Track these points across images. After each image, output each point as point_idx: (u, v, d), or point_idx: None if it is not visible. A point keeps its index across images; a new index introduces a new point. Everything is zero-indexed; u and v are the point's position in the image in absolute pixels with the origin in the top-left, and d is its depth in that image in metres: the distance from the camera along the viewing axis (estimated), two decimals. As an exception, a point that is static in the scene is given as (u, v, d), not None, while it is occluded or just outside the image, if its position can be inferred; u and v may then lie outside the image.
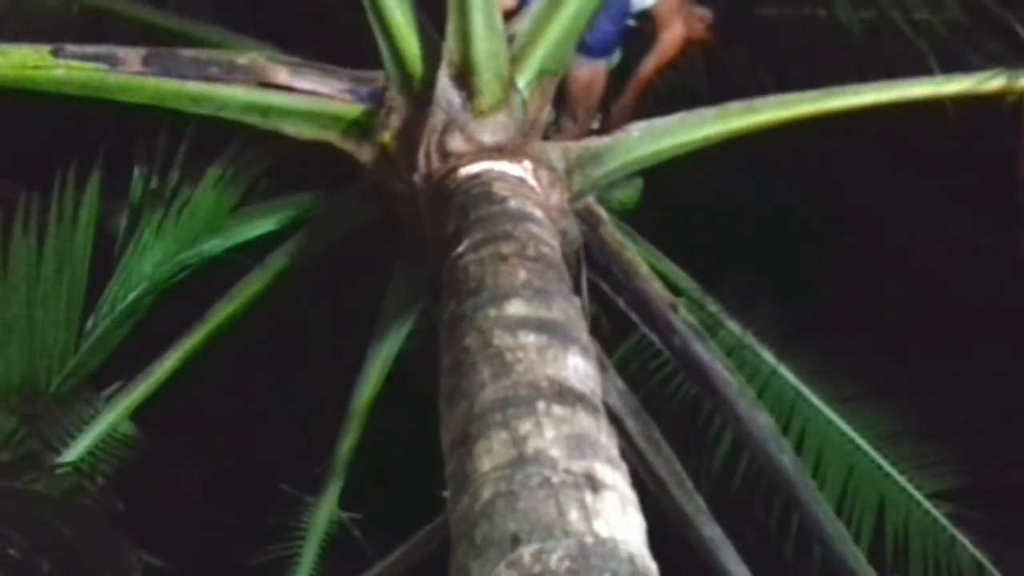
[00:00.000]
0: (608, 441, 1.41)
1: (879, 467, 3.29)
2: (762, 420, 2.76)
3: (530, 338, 1.56)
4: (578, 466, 1.31)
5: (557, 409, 1.42)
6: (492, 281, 1.73)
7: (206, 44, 2.94)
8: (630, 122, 2.87)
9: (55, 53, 2.19)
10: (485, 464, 1.34)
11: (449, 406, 1.55)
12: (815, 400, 3.33)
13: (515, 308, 1.64)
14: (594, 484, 1.29)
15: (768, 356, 3.33)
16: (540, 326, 1.60)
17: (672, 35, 2.90)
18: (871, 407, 3.33)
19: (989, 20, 3.09)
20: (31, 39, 2.88)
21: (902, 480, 3.27)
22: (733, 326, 3.30)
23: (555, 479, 1.28)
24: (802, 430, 3.25)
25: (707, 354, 2.68)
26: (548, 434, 1.36)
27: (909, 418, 3.31)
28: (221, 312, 2.81)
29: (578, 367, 1.54)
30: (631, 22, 2.92)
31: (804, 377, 3.34)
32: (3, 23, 3.07)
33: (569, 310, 1.70)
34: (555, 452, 1.34)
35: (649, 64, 2.93)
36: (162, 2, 3.32)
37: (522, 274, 1.75)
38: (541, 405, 1.42)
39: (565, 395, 1.45)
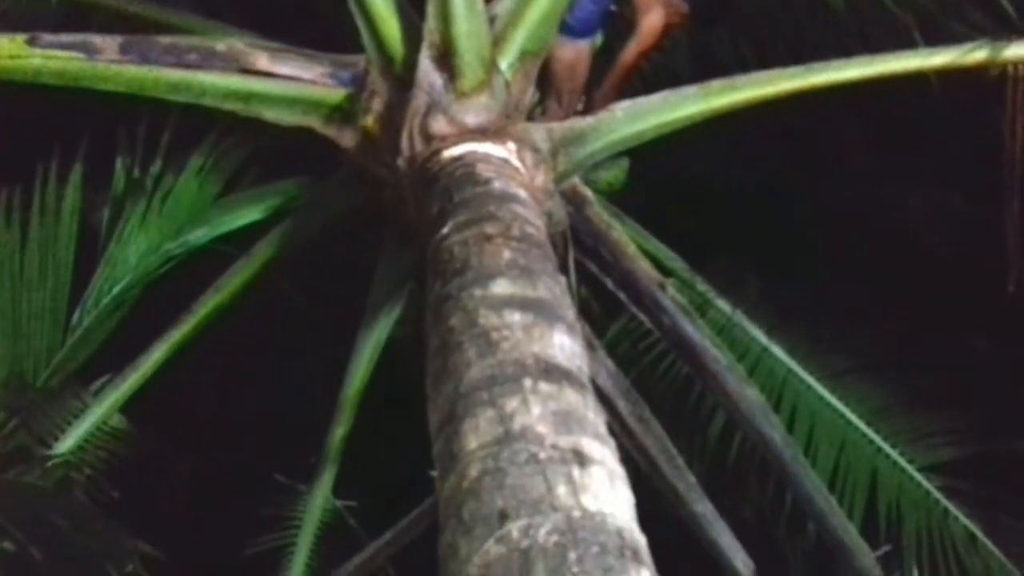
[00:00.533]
0: (595, 417, 1.41)
1: (871, 441, 3.30)
2: (752, 395, 2.77)
3: (515, 317, 1.56)
4: (565, 441, 1.31)
5: (543, 386, 1.41)
6: (477, 261, 1.73)
7: (186, 32, 2.91)
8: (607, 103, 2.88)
9: (31, 42, 2.17)
10: (472, 442, 1.34)
11: (436, 386, 1.55)
12: (806, 376, 3.33)
13: (500, 288, 1.63)
14: (581, 459, 1.29)
15: (758, 334, 3.34)
16: (525, 305, 1.60)
17: (652, 21, 2.88)
18: (861, 381, 3.34)
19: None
20: (8, 29, 2.87)
21: (894, 454, 3.28)
22: (723, 305, 3.30)
23: (542, 455, 1.28)
24: (793, 406, 3.25)
25: (696, 332, 2.68)
26: (535, 411, 1.36)
27: (899, 391, 3.31)
28: (208, 303, 2.79)
29: (564, 345, 1.53)
30: (612, 6, 2.91)
31: (794, 354, 3.35)
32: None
33: (555, 289, 1.70)
34: (542, 428, 1.33)
35: (630, 50, 2.92)
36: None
37: (507, 254, 1.74)
38: (527, 382, 1.41)
39: (551, 372, 1.45)
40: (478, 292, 1.63)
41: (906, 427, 3.29)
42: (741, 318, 3.29)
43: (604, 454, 1.32)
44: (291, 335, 3.33)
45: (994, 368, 3.23)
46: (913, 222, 3.52)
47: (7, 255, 2.73)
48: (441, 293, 1.70)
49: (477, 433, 1.35)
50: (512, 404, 1.37)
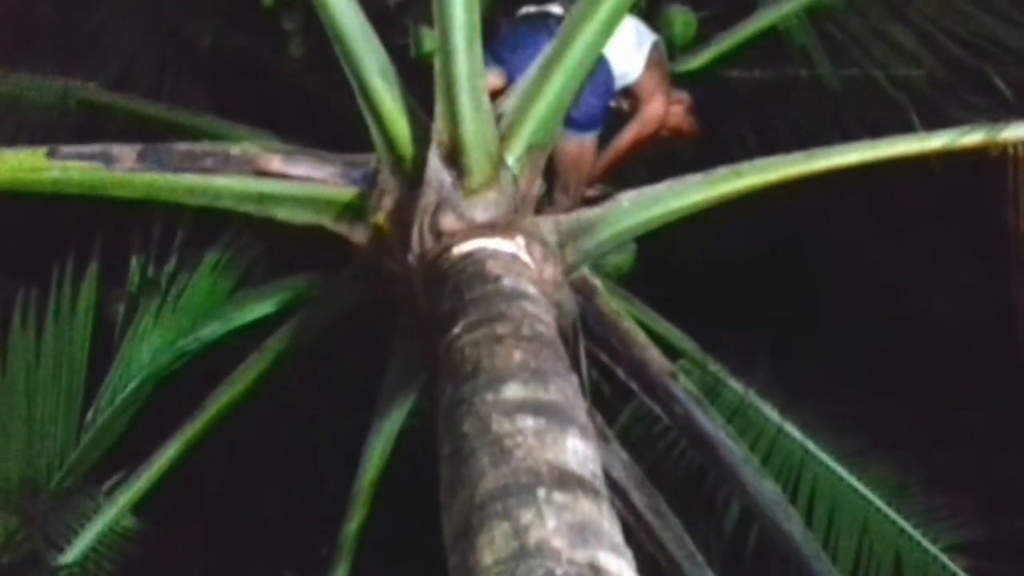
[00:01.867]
0: (611, 527, 1.40)
1: (893, 522, 3.25)
2: (768, 489, 2.74)
3: (528, 422, 1.56)
4: (581, 555, 1.30)
5: (558, 496, 1.40)
6: (488, 364, 1.73)
7: (201, 133, 2.99)
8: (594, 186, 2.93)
9: (50, 154, 2.23)
10: (487, 558, 1.33)
11: (450, 495, 1.54)
12: (824, 456, 3.30)
13: (512, 391, 1.64)
14: (598, 574, 1.27)
15: (772, 414, 3.32)
16: (538, 409, 1.60)
17: (653, 109, 2.96)
18: (879, 461, 3.30)
19: (967, 73, 3.16)
20: (28, 137, 2.96)
21: (917, 534, 3.22)
22: (735, 385, 3.30)
23: (559, 571, 1.27)
24: (812, 488, 3.21)
25: (709, 423, 2.67)
26: (550, 523, 1.35)
27: (918, 470, 3.27)
28: (221, 398, 2.81)
29: (577, 450, 1.53)
30: (614, 101, 2.98)
31: (810, 433, 3.32)
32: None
33: (566, 389, 1.70)
34: (557, 542, 1.32)
35: (627, 134, 2.98)
36: (157, 93, 3.39)
37: (518, 355, 1.75)
38: (541, 492, 1.41)
39: (566, 480, 1.44)
40: (490, 397, 1.63)
41: (927, 506, 3.23)
42: (754, 398, 3.28)
43: (621, 567, 1.31)
44: (303, 429, 3.32)
45: (1013, 443, 3.18)
46: (924, 297, 3.52)
47: (22, 357, 2.75)
48: (454, 397, 1.71)
49: (492, 548, 1.34)
50: (527, 516, 1.36)
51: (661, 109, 2.96)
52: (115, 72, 3.44)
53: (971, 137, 2.66)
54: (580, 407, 1.70)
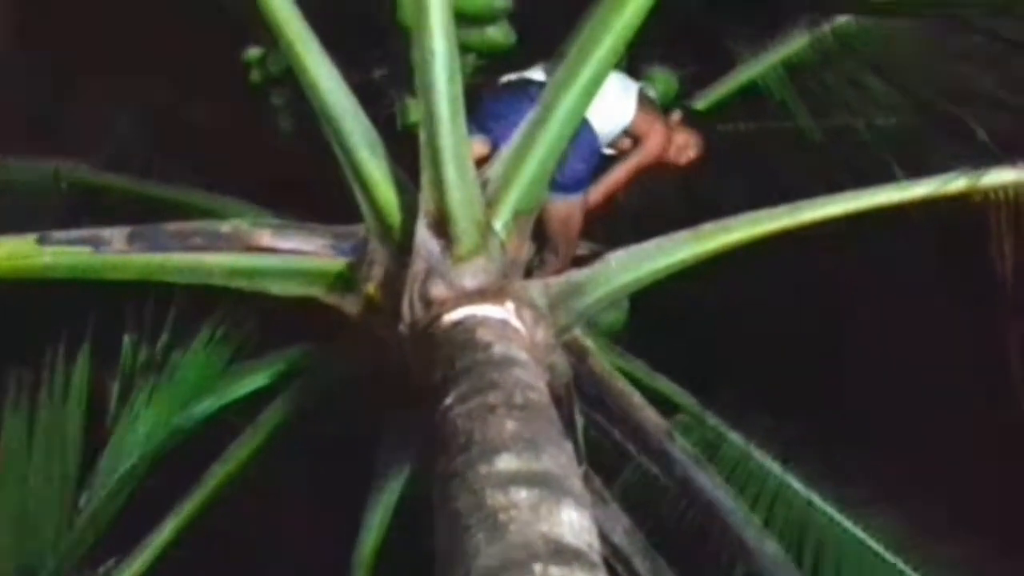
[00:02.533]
0: (609, 601, 1.38)
1: (901, 572, 3.21)
2: (771, 549, 2.71)
3: (522, 494, 1.55)
4: (580, 632, 1.28)
5: (554, 570, 1.39)
6: (480, 435, 1.73)
7: (193, 209, 3.02)
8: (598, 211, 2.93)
9: (41, 241, 2.25)
10: (485, 638, 1.31)
11: (446, 571, 1.52)
12: (828, 508, 3.28)
13: (505, 463, 1.63)
14: (598, 651, 1.25)
15: (774, 467, 3.30)
16: (531, 480, 1.59)
17: (653, 139, 2.97)
18: (884, 511, 3.28)
19: (945, 121, 3.21)
20: (20, 221, 2.97)
21: (927, 585, 3.18)
22: (736, 439, 3.28)
23: (557, 650, 1.25)
24: (818, 540, 3.18)
25: (708, 482, 2.65)
26: (546, 600, 1.34)
27: (923, 519, 3.24)
28: (217, 474, 2.78)
29: (573, 521, 1.51)
30: (609, 151, 3.01)
31: (813, 485, 3.30)
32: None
33: (560, 458, 1.70)
34: (555, 619, 1.30)
35: (629, 163, 2.98)
36: (149, 172, 3.42)
37: (510, 425, 1.74)
38: (538, 568, 1.39)
39: (562, 554, 1.43)
40: (483, 470, 1.62)
41: (934, 556, 3.20)
42: (755, 452, 3.26)
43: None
44: (301, 502, 3.29)
45: (1018, 489, 3.16)
46: (917, 345, 3.52)
47: (16, 440, 2.73)
48: (448, 470, 1.70)
49: (489, 627, 1.32)
50: (523, 594, 1.35)
51: (661, 138, 2.98)
52: (107, 153, 3.48)
53: (953, 185, 2.70)
54: (575, 475, 1.69)
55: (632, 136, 2.97)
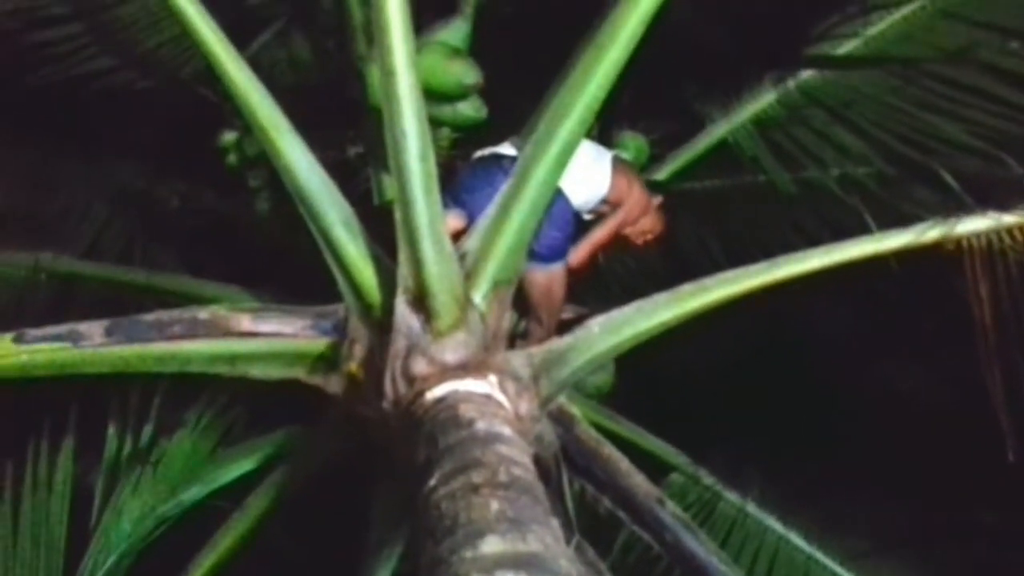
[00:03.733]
0: None
1: (907, 625, 3.17)
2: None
3: (508, 579, 1.53)
4: None
5: (542, 660, 1.36)
6: (465, 517, 1.71)
7: (174, 294, 3.02)
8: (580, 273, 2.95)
9: (17, 339, 2.24)
10: None
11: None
12: (830, 562, 3.25)
13: (490, 546, 1.61)
14: None
15: (772, 522, 3.28)
16: (518, 563, 1.57)
17: (632, 203, 3.00)
18: (886, 561, 3.24)
19: (915, 169, 3.25)
20: (2, 316, 2.97)
21: (935, 637, 3.14)
22: (731, 497, 3.26)
23: None
24: (821, 595, 3.15)
25: (700, 548, 2.62)
26: None
27: (927, 567, 3.21)
28: (204, 563, 2.74)
29: (561, 604, 1.49)
30: (589, 216, 3.04)
31: (813, 539, 3.27)
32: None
33: (546, 537, 1.67)
34: None
35: (610, 223, 3.00)
36: (128, 259, 3.43)
37: (495, 505, 1.73)
38: (525, 658, 1.36)
39: (550, 640, 1.40)
40: (468, 554, 1.60)
41: (939, 604, 3.16)
42: (752, 508, 3.24)
43: None
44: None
45: (1012, 539, 3.13)
46: (908, 392, 3.52)
47: (1, 536, 2.69)
48: (433, 556, 1.68)
49: None
50: None
51: (641, 199, 3.01)
52: (86, 242, 3.50)
53: (927, 235, 2.72)
54: (562, 554, 1.67)
55: (611, 203, 3.00)
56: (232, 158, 3.45)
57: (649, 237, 3.15)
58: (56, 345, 2.28)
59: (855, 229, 2.90)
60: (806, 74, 3.52)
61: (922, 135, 3.29)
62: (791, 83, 3.50)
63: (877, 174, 3.36)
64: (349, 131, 3.32)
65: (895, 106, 3.40)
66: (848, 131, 3.42)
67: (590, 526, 2.82)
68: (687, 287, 2.71)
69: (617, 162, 3.02)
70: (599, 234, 3.01)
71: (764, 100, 3.55)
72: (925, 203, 2.97)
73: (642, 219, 3.10)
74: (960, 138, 3.18)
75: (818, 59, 3.51)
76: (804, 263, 2.72)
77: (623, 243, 3.16)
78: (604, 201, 2.99)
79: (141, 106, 3.70)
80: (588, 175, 2.89)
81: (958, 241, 2.76)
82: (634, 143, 3.40)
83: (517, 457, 1.96)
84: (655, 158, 3.52)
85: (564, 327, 2.79)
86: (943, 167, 3.01)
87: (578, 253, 2.96)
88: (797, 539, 3.28)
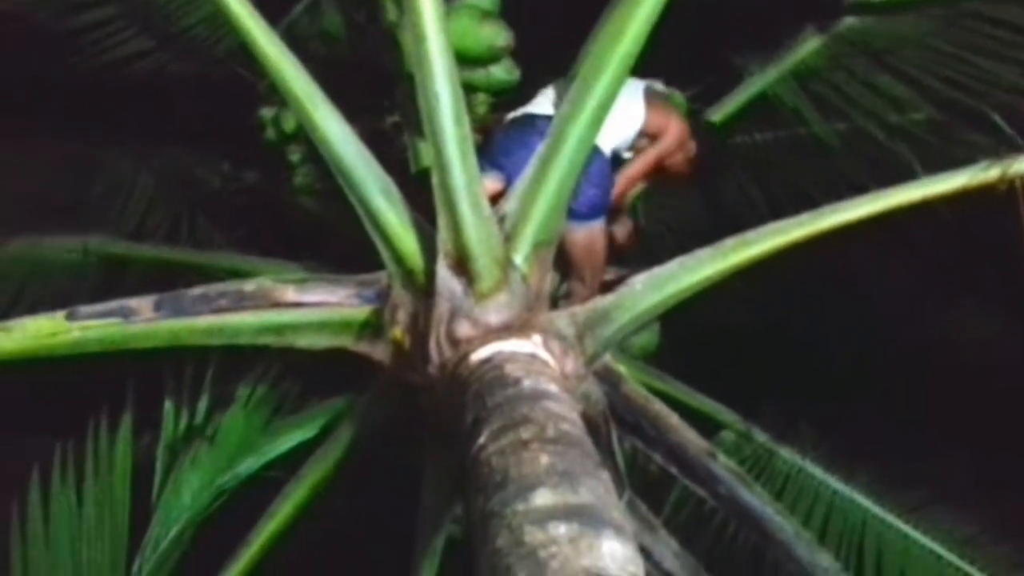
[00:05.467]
0: (657, 631, 1.35)
1: (967, 574, 3.12)
2: (825, 562, 2.64)
3: (561, 529, 1.53)
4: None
5: (598, 605, 1.37)
6: (516, 472, 1.71)
7: (220, 271, 3.06)
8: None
9: (70, 316, 2.29)
10: None
11: (490, 613, 1.51)
12: (886, 515, 3.20)
13: (542, 498, 1.61)
14: None
15: (826, 477, 3.24)
16: (569, 514, 1.57)
17: (671, 135, 2.97)
18: (945, 512, 3.19)
19: (964, 113, 3.16)
20: (52, 299, 3.04)
21: (994, 584, 3.09)
22: (784, 453, 3.23)
23: None
24: (878, 548, 3.11)
25: (755, 500, 2.60)
26: (592, 636, 1.31)
27: (985, 518, 3.15)
28: (263, 532, 2.78)
29: (615, 553, 1.49)
30: (628, 155, 3.01)
31: (869, 492, 3.23)
32: (25, 288, 3.22)
33: (598, 489, 1.67)
34: (602, 655, 1.28)
35: (649, 155, 2.98)
36: (175, 239, 3.49)
37: (544, 459, 1.73)
38: (581, 603, 1.37)
39: (605, 587, 1.40)
40: (520, 507, 1.61)
41: (999, 555, 3.11)
42: (806, 464, 3.21)
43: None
44: (348, 552, 3.28)
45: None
46: (963, 341, 3.45)
47: (65, 513, 2.76)
48: (485, 510, 1.68)
49: (535, 668, 1.30)
50: (568, 631, 1.32)
51: (678, 129, 2.99)
52: (132, 224, 3.56)
53: (977, 177, 2.64)
54: (614, 506, 1.67)
55: (649, 135, 2.96)
56: (270, 133, 3.48)
57: (687, 167, 3.09)
58: (107, 321, 2.33)
59: (899, 178, 2.83)
60: (848, 21, 3.43)
61: (969, 78, 3.20)
62: (833, 31, 3.41)
63: (926, 120, 3.28)
64: (383, 101, 3.32)
65: (940, 50, 3.30)
66: (893, 78, 3.33)
67: (640, 485, 2.82)
68: (729, 241, 2.67)
69: (651, 93, 2.98)
70: (638, 166, 2.98)
71: (804, 50, 3.46)
72: (976, 146, 2.89)
73: (681, 149, 3.07)
74: (1009, 78, 3.09)
75: (860, 5, 3.42)
76: (852, 211, 2.66)
77: (665, 175, 3.12)
78: (642, 135, 2.95)
79: (180, 88, 3.75)
80: (623, 114, 2.84)
81: (1011, 182, 2.68)
82: (673, 99, 3.35)
83: (565, 413, 1.96)
84: (693, 113, 3.47)
85: (607, 288, 2.78)
86: (992, 109, 2.92)
87: (618, 186, 2.93)
88: (853, 493, 3.23)
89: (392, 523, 3.01)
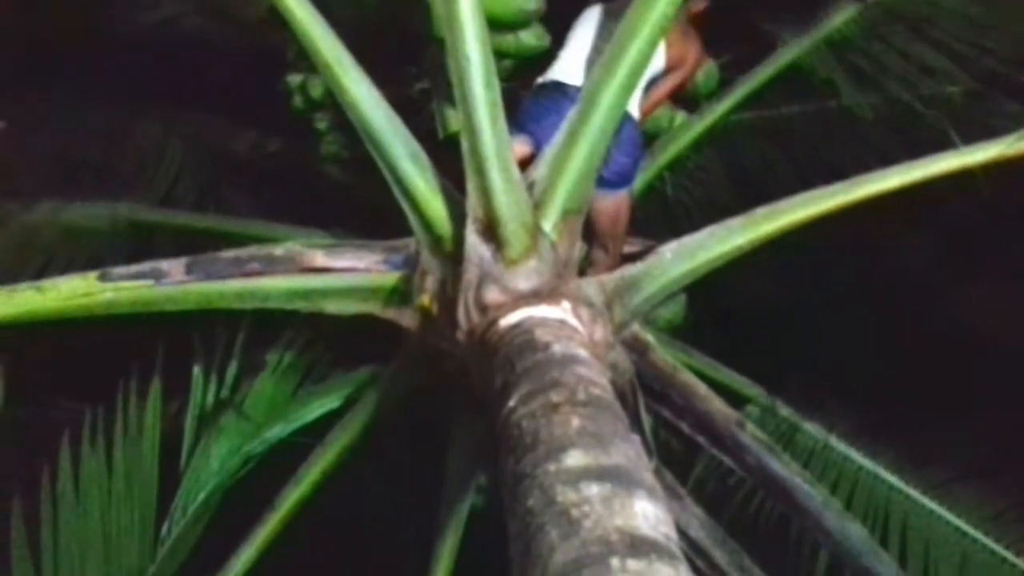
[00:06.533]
0: (690, 591, 1.35)
1: (993, 552, 3.10)
2: (855, 531, 2.62)
3: (593, 489, 1.53)
4: (662, 623, 1.25)
5: (632, 563, 1.36)
6: (547, 433, 1.71)
7: (248, 238, 3.07)
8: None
9: (102, 277, 2.31)
10: (565, 635, 1.29)
11: (522, 573, 1.51)
12: (911, 491, 3.18)
13: (574, 459, 1.61)
14: (682, 641, 1.23)
15: (851, 452, 3.22)
16: (601, 474, 1.57)
17: (690, 62, 3.04)
18: (970, 489, 3.17)
19: (1001, 83, 3.11)
20: (82, 263, 3.06)
21: (1021, 562, 3.06)
22: (809, 428, 3.21)
23: (640, 643, 1.22)
24: (903, 524, 3.09)
25: (783, 469, 2.58)
26: (626, 593, 1.31)
27: (1012, 494, 3.13)
28: (290, 497, 2.81)
29: (647, 512, 1.49)
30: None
31: (894, 468, 3.21)
32: (54, 253, 3.24)
33: (629, 452, 1.67)
34: (636, 612, 1.28)
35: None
36: (203, 206, 3.50)
37: (576, 422, 1.72)
38: (615, 562, 1.37)
39: (638, 546, 1.40)
40: (552, 467, 1.60)
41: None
42: (831, 438, 3.19)
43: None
44: (374, 518, 3.30)
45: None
46: (990, 319, 3.41)
47: (95, 477, 2.78)
48: (516, 471, 1.68)
49: (570, 624, 1.30)
50: (602, 588, 1.32)
51: (696, 51, 3.06)
52: (161, 191, 3.58)
53: (1013, 147, 2.60)
54: (645, 468, 1.66)
55: (670, 67, 2.99)
56: (298, 100, 3.47)
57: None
58: (139, 283, 2.34)
59: (934, 151, 2.79)
60: (883, -11, 3.37)
61: (1007, 47, 3.14)
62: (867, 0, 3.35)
63: (961, 91, 3.22)
64: (411, 68, 3.30)
65: (977, 20, 3.24)
66: (930, 47, 3.28)
67: (664, 458, 2.82)
68: (761, 210, 2.64)
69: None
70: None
71: (839, 19, 3.41)
72: (1012, 116, 2.84)
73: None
74: (1048, 48, 3.03)
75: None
76: (884, 182, 2.62)
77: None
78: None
79: (209, 56, 3.74)
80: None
81: (1049, 155, 2.62)
82: (704, 67, 3.31)
83: (595, 378, 1.95)
84: (724, 82, 3.43)
85: (632, 258, 2.77)
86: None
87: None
88: (878, 468, 3.21)
89: (418, 489, 3.03)
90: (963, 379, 3.26)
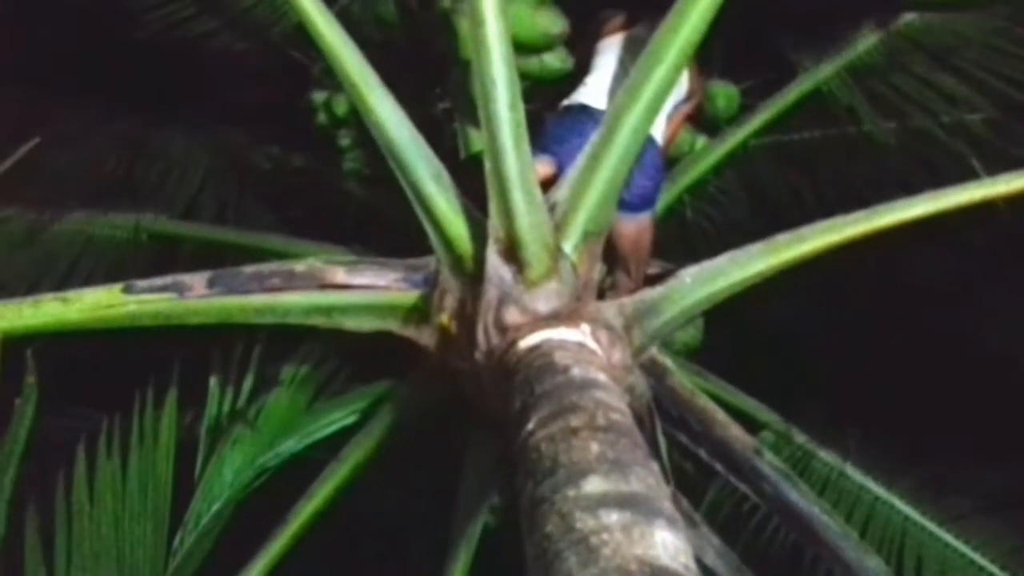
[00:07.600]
0: (709, 623, 1.34)
1: (1010, 586, 3.07)
2: (872, 564, 2.60)
3: (613, 517, 1.52)
4: (681, 657, 1.24)
5: (651, 593, 1.36)
6: (566, 458, 1.71)
7: (269, 252, 3.09)
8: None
9: (126, 290, 2.33)
10: (583, 665, 1.28)
11: (539, 598, 1.50)
12: (927, 523, 3.15)
13: (593, 485, 1.60)
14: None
15: (867, 482, 3.20)
16: (621, 502, 1.56)
17: (701, 91, 3.12)
18: (987, 522, 3.14)
19: (1022, 111, 3.10)
20: (104, 273, 3.08)
21: (1037, 597, 3.03)
22: (825, 456, 3.18)
23: (660, 675, 1.21)
24: (918, 556, 3.06)
25: (801, 499, 2.57)
26: (645, 624, 1.30)
27: (1027, 528, 3.09)
28: (303, 512, 2.80)
29: (667, 542, 1.48)
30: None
31: (910, 500, 3.19)
32: (77, 263, 3.27)
33: (648, 479, 1.66)
34: (656, 644, 1.27)
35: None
36: (224, 219, 3.52)
37: (595, 447, 1.72)
38: (634, 591, 1.36)
39: (658, 576, 1.39)
40: (571, 493, 1.60)
41: (1043, 566, 3.05)
42: (847, 467, 3.16)
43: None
44: (386, 536, 3.29)
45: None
46: (1011, 348, 3.38)
47: (109, 486, 2.79)
48: (534, 496, 1.68)
49: (588, 654, 1.29)
50: (621, 618, 1.32)
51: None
52: (183, 204, 3.60)
53: (1037, 178, 2.59)
54: (664, 495, 1.66)
55: (690, 94, 3.04)
56: (322, 117, 3.50)
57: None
58: (162, 296, 2.36)
59: (955, 179, 2.78)
60: (907, 18, 3.37)
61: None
62: (891, 27, 3.36)
63: (983, 120, 3.22)
64: (435, 88, 3.32)
65: (1001, 49, 3.24)
66: (953, 76, 3.27)
67: (680, 482, 2.80)
68: (782, 237, 2.64)
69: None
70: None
71: (861, 47, 3.41)
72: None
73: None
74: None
75: (920, 2, 3.37)
76: (907, 211, 2.61)
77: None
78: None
79: (234, 72, 3.78)
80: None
81: (1073, 186, 2.61)
82: (724, 92, 3.32)
83: (614, 403, 1.95)
84: (746, 108, 3.43)
85: (652, 281, 2.76)
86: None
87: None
88: (894, 499, 3.19)
89: (429, 508, 3.02)
90: (983, 410, 3.23)
